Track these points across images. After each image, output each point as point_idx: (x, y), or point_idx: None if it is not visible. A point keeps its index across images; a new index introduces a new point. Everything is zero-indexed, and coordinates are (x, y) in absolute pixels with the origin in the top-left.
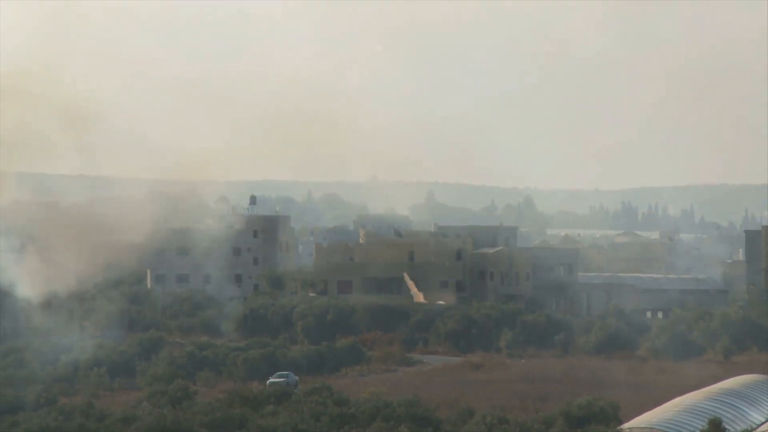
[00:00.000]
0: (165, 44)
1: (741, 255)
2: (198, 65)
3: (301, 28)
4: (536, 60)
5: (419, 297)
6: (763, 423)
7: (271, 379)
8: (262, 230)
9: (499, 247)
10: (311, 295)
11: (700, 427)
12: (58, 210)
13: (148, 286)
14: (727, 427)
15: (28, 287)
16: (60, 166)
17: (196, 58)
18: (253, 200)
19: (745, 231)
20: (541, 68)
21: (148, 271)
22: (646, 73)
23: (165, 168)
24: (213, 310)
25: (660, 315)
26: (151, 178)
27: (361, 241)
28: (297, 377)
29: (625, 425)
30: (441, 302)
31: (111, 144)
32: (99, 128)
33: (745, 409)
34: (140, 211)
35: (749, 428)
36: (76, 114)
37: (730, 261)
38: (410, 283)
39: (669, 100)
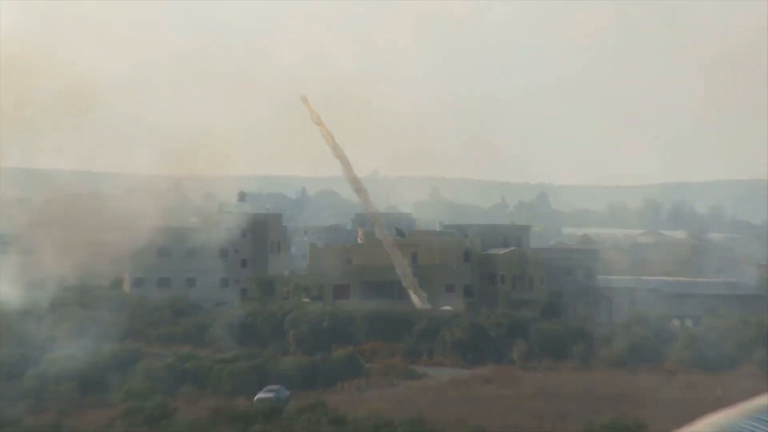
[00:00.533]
0: (166, 22)
1: None
2: (192, 46)
3: (311, 13)
4: (553, 48)
5: (422, 302)
6: None
7: (260, 395)
8: (251, 229)
9: (511, 248)
10: (305, 300)
11: None
12: (37, 207)
13: (125, 290)
14: None
15: (3, 290)
16: (48, 160)
17: (191, 37)
18: (242, 196)
19: None
20: (557, 56)
21: (126, 275)
22: (674, 61)
23: (146, 161)
24: (202, 317)
25: (689, 323)
26: (131, 173)
27: (359, 241)
28: (288, 392)
29: None
30: (447, 308)
31: (89, 137)
32: (77, 121)
33: None
34: (121, 209)
35: None
36: (64, 104)
37: (765, 263)
38: (416, 288)
39: (698, 89)
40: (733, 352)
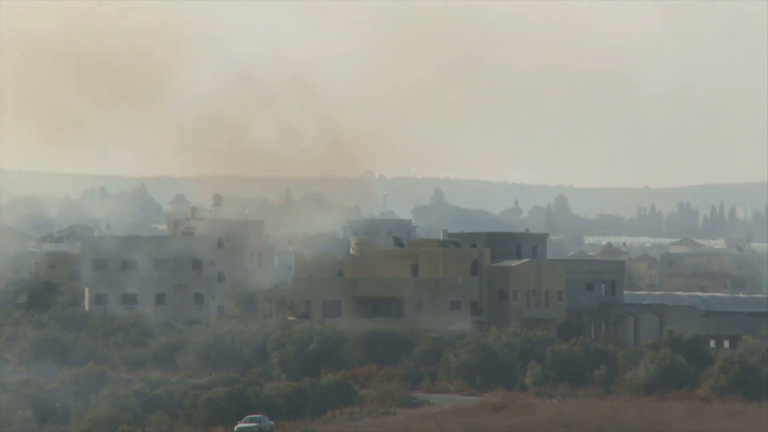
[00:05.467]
0: None
1: None
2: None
3: None
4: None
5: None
6: None
7: (240, 424)
8: (229, 238)
9: (525, 260)
10: (290, 319)
11: None
12: None
13: (86, 307)
14: None
15: None
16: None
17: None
18: (218, 200)
19: None
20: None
21: (86, 289)
22: (713, 54)
23: (110, 161)
24: (173, 337)
25: (726, 344)
26: (93, 174)
27: (352, 251)
28: (272, 422)
29: None
30: (452, 328)
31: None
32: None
33: None
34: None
35: None
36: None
37: None
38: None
39: (741, 80)
40: None
